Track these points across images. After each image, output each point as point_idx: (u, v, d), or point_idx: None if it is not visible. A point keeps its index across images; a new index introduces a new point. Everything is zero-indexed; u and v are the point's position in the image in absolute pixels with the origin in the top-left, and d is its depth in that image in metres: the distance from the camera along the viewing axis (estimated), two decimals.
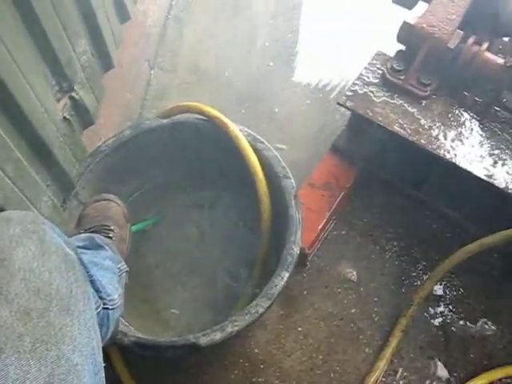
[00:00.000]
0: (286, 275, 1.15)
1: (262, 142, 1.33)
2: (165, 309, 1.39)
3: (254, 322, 1.15)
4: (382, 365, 1.34)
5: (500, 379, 1.36)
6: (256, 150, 1.29)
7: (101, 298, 0.90)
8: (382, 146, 1.50)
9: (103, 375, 0.68)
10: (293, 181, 1.27)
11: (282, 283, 1.14)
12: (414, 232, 1.55)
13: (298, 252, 1.18)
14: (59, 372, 0.57)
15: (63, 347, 0.59)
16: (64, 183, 1.20)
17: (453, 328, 1.43)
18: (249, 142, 1.30)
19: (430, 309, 1.45)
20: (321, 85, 1.89)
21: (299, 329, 1.42)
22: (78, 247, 0.90)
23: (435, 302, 1.45)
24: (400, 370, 1.37)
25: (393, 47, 1.51)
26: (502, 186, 1.32)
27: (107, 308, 0.92)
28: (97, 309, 0.87)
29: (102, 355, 0.70)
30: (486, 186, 1.33)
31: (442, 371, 1.37)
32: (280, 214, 1.27)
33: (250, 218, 1.37)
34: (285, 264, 1.16)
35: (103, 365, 0.69)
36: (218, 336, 1.10)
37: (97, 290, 0.89)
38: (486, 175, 1.33)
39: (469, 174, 1.34)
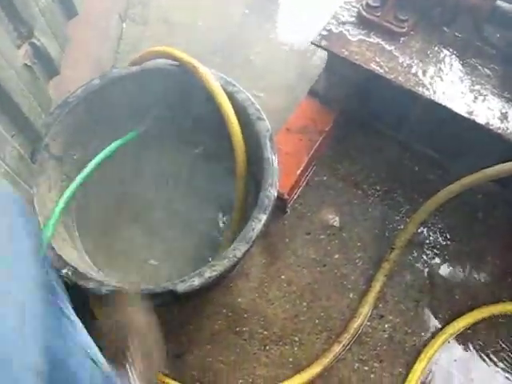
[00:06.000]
0: (264, 217, 1.11)
1: (234, 85, 1.28)
2: (144, 261, 1.36)
3: (233, 267, 1.12)
4: (365, 310, 1.33)
5: (484, 318, 1.35)
6: (228, 93, 1.24)
7: None
8: (360, 86, 1.47)
9: None
10: (267, 123, 1.22)
11: (260, 226, 1.11)
12: (396, 175, 1.52)
13: (276, 194, 1.14)
14: None
15: None
16: (30, 134, 1.16)
17: (437, 270, 1.42)
18: (221, 86, 1.25)
19: (415, 252, 1.43)
20: (299, 30, 1.83)
21: (282, 277, 1.40)
22: None
23: (419, 246, 1.44)
24: (385, 314, 1.36)
25: None
26: (483, 122, 1.29)
27: None
28: None
29: None
30: (466, 124, 1.30)
31: (428, 313, 1.37)
32: (257, 159, 1.23)
33: (228, 165, 1.33)
34: (262, 206, 1.12)
35: None
36: (196, 282, 1.07)
37: None
38: (466, 112, 1.30)
39: (449, 112, 1.30)
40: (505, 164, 1.19)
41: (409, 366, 1.30)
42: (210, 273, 1.08)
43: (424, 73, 1.34)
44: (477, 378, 1.30)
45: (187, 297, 1.12)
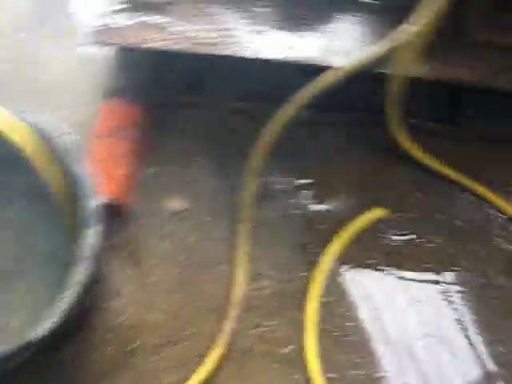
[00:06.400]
0: (92, 233, 1.05)
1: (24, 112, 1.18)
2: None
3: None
4: (241, 277, 1.32)
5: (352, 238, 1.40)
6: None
7: None
8: (154, 68, 1.44)
9: None
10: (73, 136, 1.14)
11: (92, 242, 1.05)
12: (227, 142, 1.52)
13: (98, 205, 1.08)
14: None
15: None
16: None
17: (298, 211, 1.44)
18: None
19: (267, 202, 1.44)
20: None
21: (151, 279, 1.35)
22: None
23: (270, 195, 1.45)
24: (262, 271, 1.36)
25: None
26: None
27: None
28: None
29: None
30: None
31: (300, 253, 1.39)
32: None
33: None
34: (86, 225, 1.06)
35: None
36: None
37: None
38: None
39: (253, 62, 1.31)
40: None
41: (302, 310, 1.32)
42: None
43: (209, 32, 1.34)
44: (373, 292, 1.35)
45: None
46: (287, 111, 1.28)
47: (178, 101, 1.51)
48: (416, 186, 1.48)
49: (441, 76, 1.30)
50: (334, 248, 1.37)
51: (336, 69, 1.26)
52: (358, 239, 1.41)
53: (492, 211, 1.44)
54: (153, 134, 1.50)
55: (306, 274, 1.35)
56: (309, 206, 1.45)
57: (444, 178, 1.47)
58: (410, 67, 1.25)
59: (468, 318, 1.30)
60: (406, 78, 1.27)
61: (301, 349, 1.26)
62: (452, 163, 1.47)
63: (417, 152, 1.44)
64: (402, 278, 1.36)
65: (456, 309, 1.31)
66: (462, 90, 1.48)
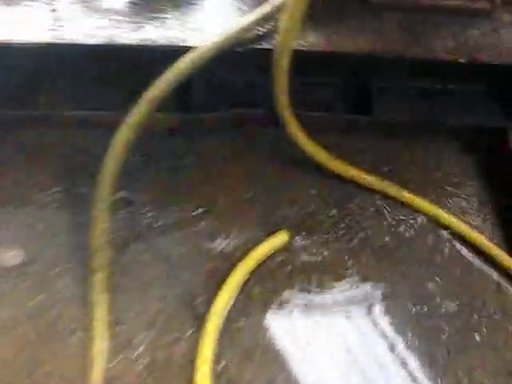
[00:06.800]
0: None
1: None
2: None
3: None
4: (100, 349, 0.94)
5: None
6: None
7: None
8: None
9: None
10: None
11: None
12: (70, 163, 1.15)
13: None
14: None
15: None
16: None
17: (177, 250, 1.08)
18: None
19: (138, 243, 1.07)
20: None
21: None
22: None
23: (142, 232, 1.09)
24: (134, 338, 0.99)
25: None
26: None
27: None
28: None
29: None
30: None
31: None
32: None
33: None
34: None
35: None
36: None
37: None
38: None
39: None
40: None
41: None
42: None
43: None
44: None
45: None
46: (139, 114, 0.93)
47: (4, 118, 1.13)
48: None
49: (337, 48, 0.98)
50: (228, 294, 1.02)
51: (198, 48, 0.92)
52: (260, 275, 1.07)
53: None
54: None
55: (193, 331, 0.99)
56: (193, 243, 1.10)
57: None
58: (296, 39, 0.93)
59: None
60: (292, 55, 0.95)
61: None
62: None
63: (320, 154, 1.13)
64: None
65: None
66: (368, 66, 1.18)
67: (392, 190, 1.17)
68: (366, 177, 1.17)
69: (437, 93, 1.29)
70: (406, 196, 1.18)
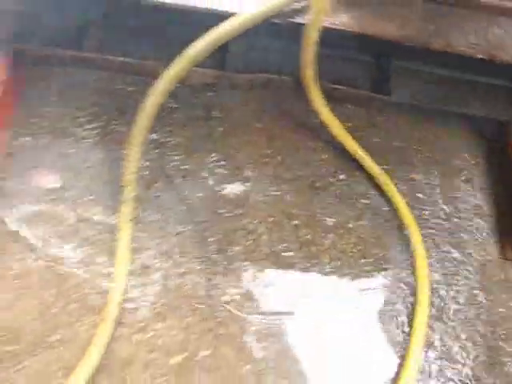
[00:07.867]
0: None
1: None
2: None
3: None
4: (121, 269, 1.08)
5: None
6: None
7: None
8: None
9: None
10: None
11: None
12: (109, 103, 1.25)
13: None
14: None
15: None
16: None
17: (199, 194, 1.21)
18: None
19: (160, 182, 1.19)
20: None
21: (11, 272, 1.08)
22: None
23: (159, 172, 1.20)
24: (149, 263, 1.12)
25: None
26: None
27: None
28: None
29: None
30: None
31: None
32: None
33: None
34: None
35: None
36: None
37: None
38: None
39: None
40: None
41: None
42: None
43: None
44: None
45: None
46: (178, 67, 1.03)
47: (56, 56, 1.23)
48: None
49: (365, 30, 1.07)
50: None
51: (239, 16, 1.02)
52: None
53: None
54: (20, 95, 1.23)
55: (201, 268, 1.13)
56: (212, 188, 1.22)
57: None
58: (326, 17, 1.02)
59: None
60: (321, 31, 1.04)
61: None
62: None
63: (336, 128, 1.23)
64: None
65: None
66: (391, 50, 1.27)
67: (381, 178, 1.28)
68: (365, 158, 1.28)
69: (455, 82, 1.36)
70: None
